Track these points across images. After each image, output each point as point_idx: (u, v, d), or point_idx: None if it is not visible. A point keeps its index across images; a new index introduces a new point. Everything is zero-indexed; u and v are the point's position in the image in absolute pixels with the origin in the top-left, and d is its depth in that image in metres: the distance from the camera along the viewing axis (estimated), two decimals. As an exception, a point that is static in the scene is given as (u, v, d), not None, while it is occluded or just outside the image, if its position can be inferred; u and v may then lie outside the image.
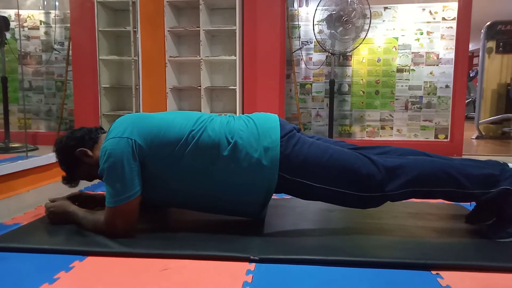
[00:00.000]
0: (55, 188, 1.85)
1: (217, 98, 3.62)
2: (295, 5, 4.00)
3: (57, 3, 3.12)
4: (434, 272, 1.09)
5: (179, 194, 1.36)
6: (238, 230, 1.37)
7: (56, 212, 1.44)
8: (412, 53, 3.54)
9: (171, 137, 1.30)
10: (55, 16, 3.05)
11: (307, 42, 3.67)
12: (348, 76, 3.65)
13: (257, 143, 1.30)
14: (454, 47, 3.48)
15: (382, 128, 3.65)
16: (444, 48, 3.50)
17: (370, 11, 3.25)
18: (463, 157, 3.31)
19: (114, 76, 3.29)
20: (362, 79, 3.63)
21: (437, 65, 3.52)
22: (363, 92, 3.64)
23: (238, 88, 3.33)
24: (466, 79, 3.50)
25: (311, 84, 3.72)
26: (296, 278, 1.06)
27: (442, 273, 1.09)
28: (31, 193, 1.84)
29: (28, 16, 2.97)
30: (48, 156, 1.99)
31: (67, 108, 3.04)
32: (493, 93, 5.06)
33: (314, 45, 3.65)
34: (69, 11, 3.00)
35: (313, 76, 3.71)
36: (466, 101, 4.81)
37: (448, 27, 3.48)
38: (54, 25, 3.03)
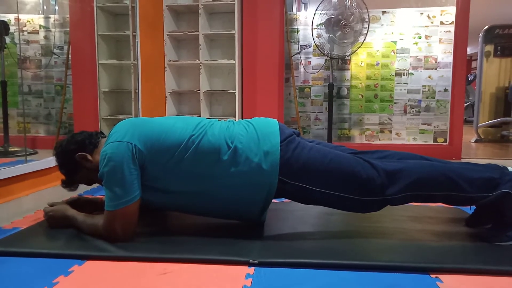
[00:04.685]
0: (54, 192, 1.85)
1: (216, 102, 3.62)
2: (294, 9, 4.01)
3: (56, 8, 3.13)
4: (433, 276, 1.09)
5: (178, 198, 1.36)
6: (237, 234, 1.37)
7: (55, 216, 1.44)
8: (411, 57, 3.56)
9: (171, 142, 1.31)
10: (54, 21, 3.05)
11: (306, 46, 3.69)
12: (347, 80, 3.66)
13: (257, 147, 1.30)
14: (452, 51, 3.49)
15: (381, 131, 3.66)
16: (443, 52, 3.52)
17: (369, 15, 3.26)
18: (462, 160, 3.32)
19: (113, 80, 3.29)
20: (360, 83, 3.64)
21: (436, 68, 3.54)
22: (362, 96, 3.65)
23: (237, 92, 3.34)
24: (465, 82, 3.51)
25: (310, 88, 3.73)
26: (296, 282, 1.06)
27: (441, 276, 1.09)
28: (30, 197, 1.84)
29: (27, 21, 2.98)
30: (48, 160, 1.99)
31: (66, 112, 3.03)
32: (491, 97, 5.08)
33: (313, 49, 3.66)
34: (68, 16, 3.00)
35: (312, 80, 3.72)
36: (465, 104, 4.83)
37: (446, 31, 3.50)
38: (53, 30, 3.03)
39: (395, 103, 3.61)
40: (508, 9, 6.79)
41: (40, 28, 3.01)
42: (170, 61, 3.39)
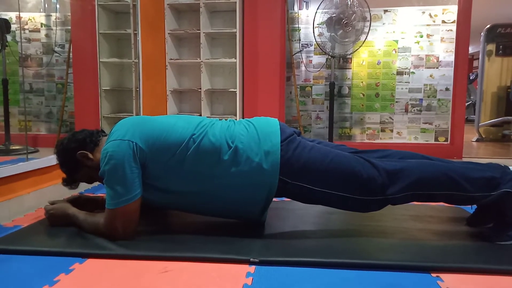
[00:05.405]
0: (55, 190, 1.85)
1: (217, 101, 3.62)
2: (295, 8, 4.01)
3: (58, 6, 3.13)
4: (434, 275, 1.09)
5: (179, 197, 1.36)
6: (238, 232, 1.37)
7: (56, 214, 1.44)
8: (412, 55, 3.55)
9: (172, 141, 1.31)
10: (56, 19, 3.05)
11: (307, 44, 3.68)
12: (348, 78, 3.66)
13: (257, 147, 1.30)
14: (454, 50, 3.48)
15: (382, 130, 3.65)
16: (444, 51, 3.51)
17: (370, 14, 3.26)
18: (463, 160, 3.31)
19: (114, 79, 3.29)
20: (362, 82, 3.64)
21: (437, 67, 3.53)
22: (363, 95, 3.65)
23: (238, 91, 3.34)
24: (466, 81, 3.51)
25: (311, 87, 3.73)
26: (296, 281, 1.06)
27: (442, 275, 1.09)
28: (32, 195, 1.84)
29: (29, 19, 2.98)
30: (49, 158, 1.99)
31: (67, 111, 3.04)
32: (493, 96, 5.07)
33: (314, 48, 3.66)
34: (70, 14, 3.00)
35: (313, 79, 3.72)
36: (466, 103, 4.81)
37: (448, 30, 3.49)
38: (55, 28, 3.03)
39: (396, 102, 3.61)
40: (510, 8, 6.77)
41: (41, 26, 3.01)
42: (171, 59, 3.39)
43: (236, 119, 1.50)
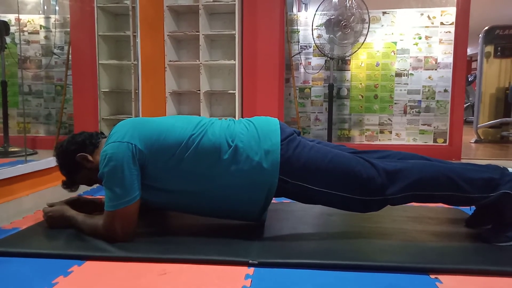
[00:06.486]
0: (54, 192, 1.85)
1: (216, 102, 3.62)
2: (294, 9, 4.02)
3: (57, 8, 3.13)
4: (433, 276, 1.09)
5: (179, 197, 1.36)
6: (237, 234, 1.37)
7: (54, 216, 1.44)
8: (411, 57, 3.56)
9: (172, 141, 1.31)
10: (55, 21, 3.05)
11: (306, 46, 3.69)
12: (347, 80, 3.66)
13: (257, 146, 1.30)
14: (452, 52, 3.49)
15: (381, 132, 3.66)
16: (443, 52, 3.52)
17: (369, 16, 3.27)
18: (462, 161, 3.32)
19: (113, 81, 3.29)
20: (361, 83, 3.64)
21: (436, 69, 3.54)
22: (362, 96, 3.65)
23: (237, 92, 3.34)
24: (465, 83, 3.51)
25: (310, 88, 3.73)
26: (295, 282, 1.06)
27: (440, 277, 1.09)
28: (30, 197, 1.84)
29: (28, 21, 2.98)
30: (47, 160, 1.99)
31: (66, 112, 3.03)
32: (491, 97, 5.07)
33: (313, 50, 3.66)
34: (69, 16, 3.01)
35: (312, 80, 3.72)
36: (465, 105, 4.82)
37: (447, 32, 3.50)
38: (54, 30, 3.03)
39: (395, 103, 3.61)
40: (508, 10, 6.79)
41: (40, 28, 3.01)
42: (170, 61, 3.39)
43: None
